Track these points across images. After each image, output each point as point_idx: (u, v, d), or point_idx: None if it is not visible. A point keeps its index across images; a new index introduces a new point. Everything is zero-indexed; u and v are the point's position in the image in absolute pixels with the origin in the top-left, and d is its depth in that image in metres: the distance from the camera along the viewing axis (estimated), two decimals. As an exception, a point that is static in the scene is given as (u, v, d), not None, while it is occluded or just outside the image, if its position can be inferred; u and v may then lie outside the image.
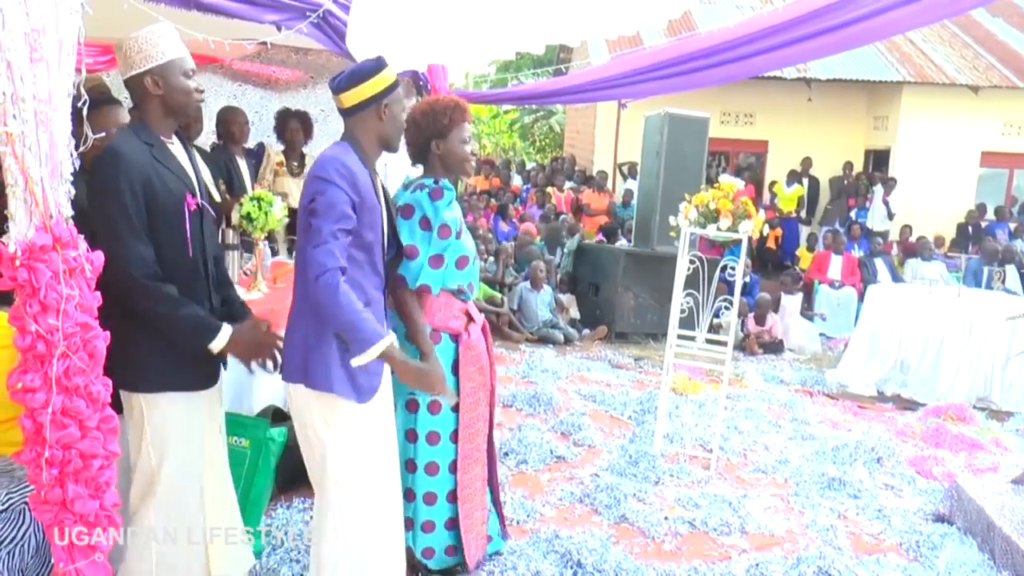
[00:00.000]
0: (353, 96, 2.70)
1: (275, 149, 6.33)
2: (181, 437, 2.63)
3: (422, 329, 3.03)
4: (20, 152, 1.94)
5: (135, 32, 2.55)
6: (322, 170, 2.60)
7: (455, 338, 3.19)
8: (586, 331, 8.67)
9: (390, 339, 2.58)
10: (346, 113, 2.75)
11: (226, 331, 2.62)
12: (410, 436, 3.24)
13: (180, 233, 2.59)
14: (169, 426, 2.61)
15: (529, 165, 17.78)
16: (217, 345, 2.60)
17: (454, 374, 3.17)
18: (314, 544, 2.80)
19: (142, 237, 2.48)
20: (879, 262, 10.57)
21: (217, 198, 4.72)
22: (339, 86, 2.71)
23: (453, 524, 3.31)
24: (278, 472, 3.71)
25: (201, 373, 2.70)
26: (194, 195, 2.65)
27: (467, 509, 3.31)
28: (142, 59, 2.53)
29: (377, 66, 2.72)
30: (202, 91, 2.69)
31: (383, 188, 2.86)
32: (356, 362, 2.54)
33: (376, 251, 2.72)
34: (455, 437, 3.23)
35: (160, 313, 2.51)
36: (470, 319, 3.27)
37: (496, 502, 3.64)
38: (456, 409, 3.22)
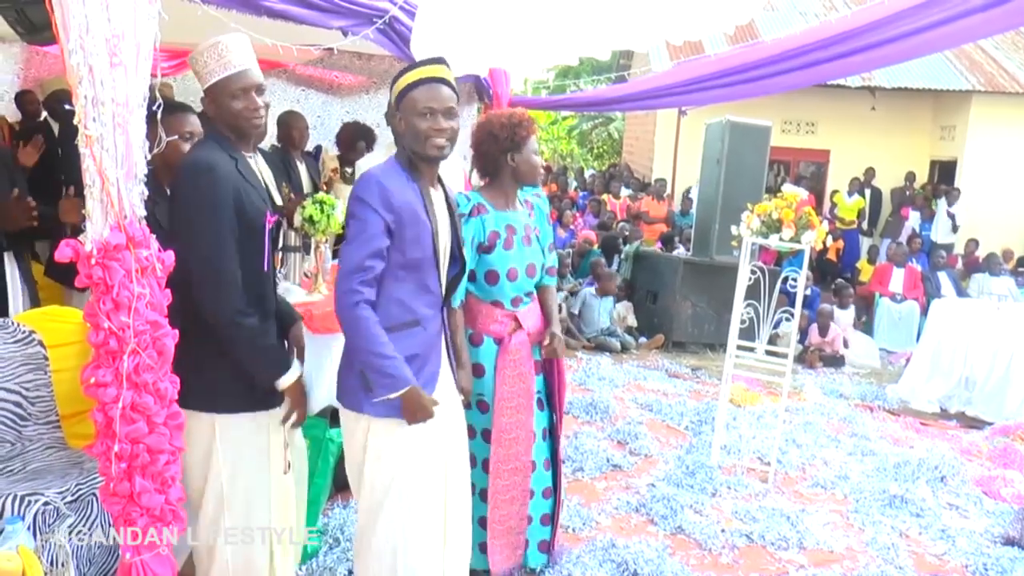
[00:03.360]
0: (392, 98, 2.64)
1: (331, 153, 6.42)
2: (252, 453, 2.64)
3: (459, 344, 3.10)
4: (98, 154, 1.99)
5: (197, 48, 2.53)
6: (358, 189, 2.55)
7: (498, 342, 3.27)
8: (643, 339, 8.62)
9: (409, 386, 2.50)
10: None
11: (295, 372, 2.62)
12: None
13: (260, 248, 2.57)
14: (241, 444, 2.61)
15: (588, 172, 17.72)
16: (284, 383, 2.58)
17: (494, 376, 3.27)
18: (358, 560, 2.78)
19: (235, 258, 2.45)
20: (943, 276, 10.30)
21: (279, 201, 4.80)
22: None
23: (484, 523, 3.32)
24: (336, 472, 3.76)
25: (270, 393, 2.67)
26: (272, 212, 2.63)
27: (497, 515, 3.31)
28: (200, 80, 2.54)
29: (406, 67, 2.62)
30: (257, 107, 2.57)
31: (449, 202, 2.75)
32: (376, 400, 2.51)
33: (425, 268, 2.61)
34: (487, 436, 3.27)
35: (243, 347, 2.49)
36: (518, 326, 3.29)
37: (554, 516, 3.59)
38: (484, 409, 3.26)
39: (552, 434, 3.52)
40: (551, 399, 3.51)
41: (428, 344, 2.66)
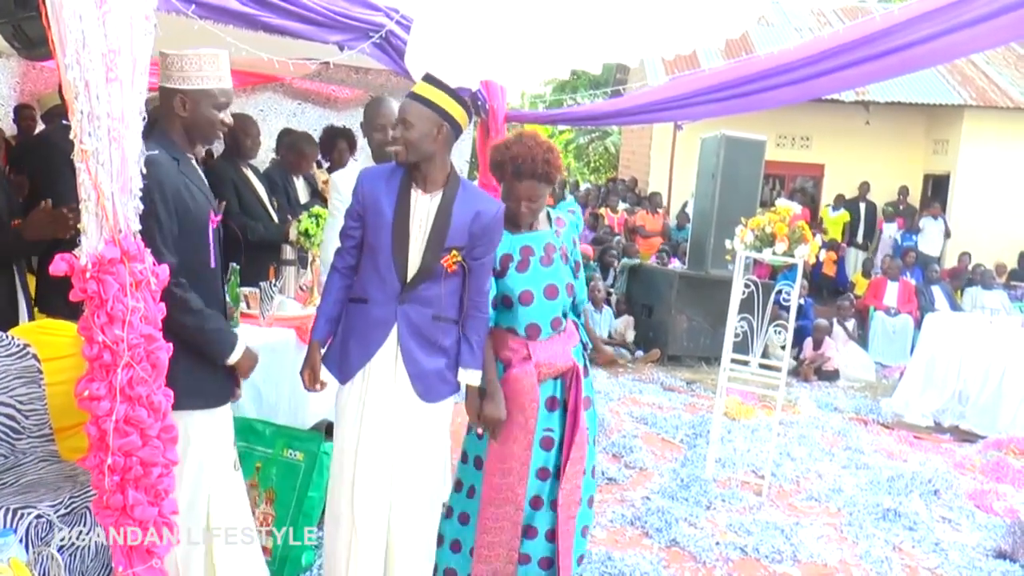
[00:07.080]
0: None
1: (323, 167, 6.44)
2: (199, 450, 2.68)
3: (488, 366, 3.06)
4: (94, 168, 2.01)
5: (189, 49, 2.59)
6: None
7: (506, 367, 3.16)
8: (639, 353, 8.62)
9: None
10: None
11: (241, 345, 2.72)
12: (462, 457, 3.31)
13: (205, 245, 2.67)
14: (204, 441, 2.68)
15: (584, 186, 17.75)
16: (233, 358, 2.70)
17: None
18: None
19: (169, 248, 2.50)
20: (936, 290, 10.34)
21: (274, 217, 4.81)
22: None
23: (458, 546, 3.26)
24: (330, 486, 3.75)
25: (221, 390, 2.77)
26: (215, 211, 2.72)
27: (486, 540, 3.19)
28: (180, 78, 2.57)
29: None
30: (228, 124, 2.71)
31: (443, 210, 2.81)
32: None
33: (379, 255, 2.83)
34: (478, 464, 3.21)
35: (187, 323, 2.54)
36: (528, 356, 3.15)
37: (557, 559, 3.26)
38: (481, 436, 3.19)
39: (557, 476, 3.26)
40: (562, 442, 3.26)
41: (369, 325, 2.86)
